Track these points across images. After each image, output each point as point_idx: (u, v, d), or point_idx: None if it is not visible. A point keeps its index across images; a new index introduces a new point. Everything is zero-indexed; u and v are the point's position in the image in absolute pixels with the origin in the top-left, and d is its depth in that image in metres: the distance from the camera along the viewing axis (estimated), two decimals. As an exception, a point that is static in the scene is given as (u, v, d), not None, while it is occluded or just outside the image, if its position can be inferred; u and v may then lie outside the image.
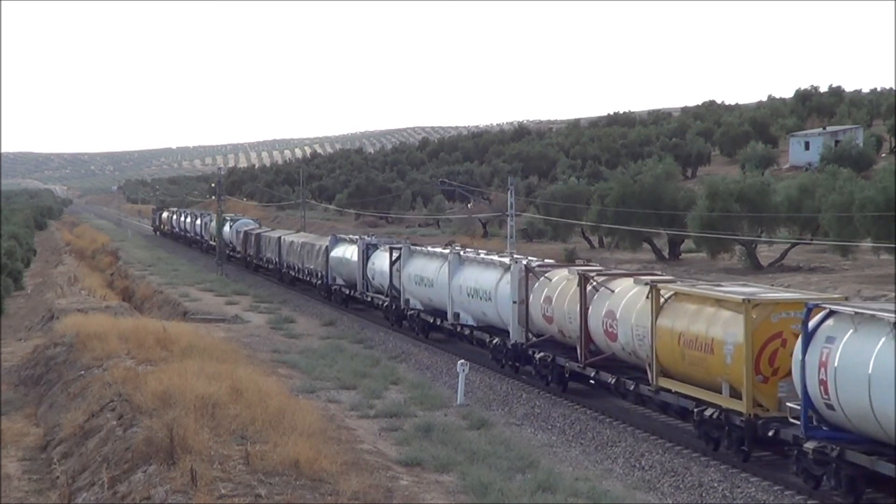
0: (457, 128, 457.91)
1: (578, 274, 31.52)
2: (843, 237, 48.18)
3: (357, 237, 56.65)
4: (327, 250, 58.92)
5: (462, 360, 34.12)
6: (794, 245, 54.94)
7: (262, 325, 52.39)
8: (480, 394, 34.46)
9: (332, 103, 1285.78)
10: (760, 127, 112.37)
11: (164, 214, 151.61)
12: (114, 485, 21.09)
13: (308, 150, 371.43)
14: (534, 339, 34.92)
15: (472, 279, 39.28)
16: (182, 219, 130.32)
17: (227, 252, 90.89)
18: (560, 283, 32.92)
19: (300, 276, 66.86)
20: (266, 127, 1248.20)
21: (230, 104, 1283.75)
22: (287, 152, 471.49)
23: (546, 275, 34.19)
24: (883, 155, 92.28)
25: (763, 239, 55.68)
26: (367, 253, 52.60)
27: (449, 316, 41.78)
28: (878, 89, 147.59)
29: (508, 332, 36.23)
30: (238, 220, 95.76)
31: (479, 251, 44.61)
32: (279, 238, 73.24)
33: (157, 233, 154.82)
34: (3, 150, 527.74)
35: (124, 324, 40.15)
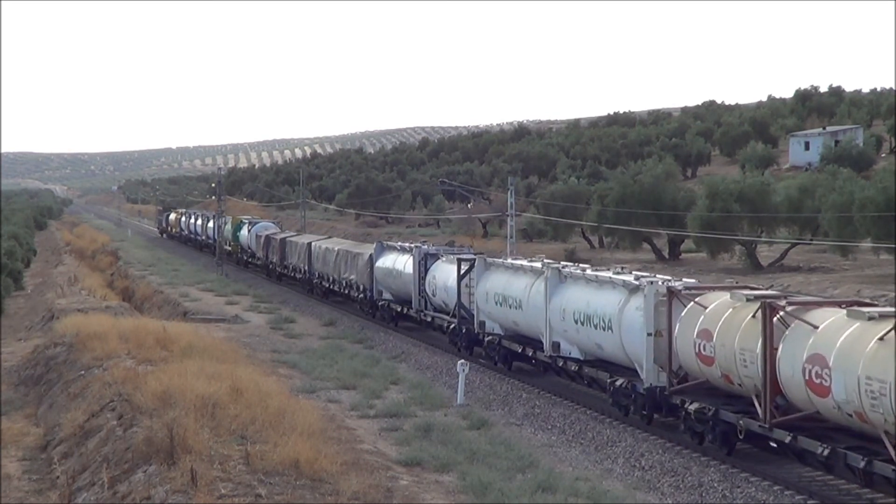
0: (457, 128, 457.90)
1: (761, 301, 23.20)
2: (843, 237, 48.18)
3: (411, 245, 48.80)
4: (372, 260, 51.11)
5: (462, 360, 34.12)
6: (794, 245, 54.93)
7: (262, 325, 52.40)
8: (480, 394, 34.46)
9: (332, 103, 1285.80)
10: (760, 127, 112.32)
11: (172, 216, 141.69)
12: (114, 485, 21.09)
13: (308, 150, 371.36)
14: (678, 383, 26.83)
15: (582, 302, 31.06)
16: (192, 221, 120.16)
17: (245, 258, 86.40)
18: (723, 312, 24.72)
19: (335, 289, 58.71)
20: (266, 127, 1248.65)
21: (230, 104, 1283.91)
22: (287, 152, 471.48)
23: (698, 300, 26.04)
24: (883, 155, 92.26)
25: (763, 239, 55.67)
26: (425, 264, 44.92)
27: (545, 346, 33.25)
28: (878, 89, 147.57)
29: (636, 372, 28.55)
30: (257, 223, 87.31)
31: (581, 266, 35.26)
32: (309, 245, 64.47)
33: (164, 235, 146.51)
34: (3, 150, 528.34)
35: (124, 324, 40.15)
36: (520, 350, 35.82)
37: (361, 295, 53.08)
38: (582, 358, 31.79)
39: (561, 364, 32.86)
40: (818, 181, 54.63)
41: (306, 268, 64.31)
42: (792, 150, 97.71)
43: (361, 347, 45.20)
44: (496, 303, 37.08)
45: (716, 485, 23.46)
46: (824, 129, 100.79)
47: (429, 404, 32.40)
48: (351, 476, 20.41)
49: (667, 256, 62.77)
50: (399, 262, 47.73)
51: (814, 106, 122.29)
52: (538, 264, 35.46)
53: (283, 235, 74.95)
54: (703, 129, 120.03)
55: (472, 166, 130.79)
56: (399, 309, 48.20)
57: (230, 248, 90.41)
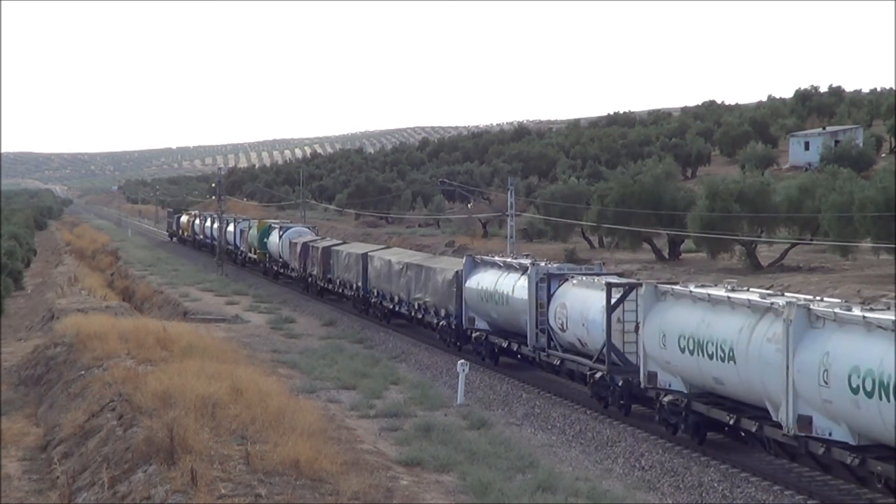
0: (457, 128, 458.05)
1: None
2: (843, 237, 48.16)
3: (520, 261, 37.97)
4: (458, 279, 41.09)
5: (462, 360, 34.12)
6: (793, 245, 54.92)
7: (262, 325, 52.42)
8: (480, 394, 34.47)
9: (332, 103, 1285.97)
10: (760, 127, 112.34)
11: (184, 218, 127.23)
12: (114, 485, 21.09)
13: (308, 150, 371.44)
14: None
15: (866, 359, 19.88)
16: (209, 224, 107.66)
17: (275, 269, 75.98)
18: None
19: (401, 310, 48.41)
20: (266, 127, 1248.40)
21: (230, 104, 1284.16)
22: (287, 152, 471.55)
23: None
24: (883, 155, 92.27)
25: (763, 239, 55.65)
26: (547, 288, 34.22)
27: (783, 417, 22.18)
28: (878, 89, 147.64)
29: None
30: (289, 227, 74.55)
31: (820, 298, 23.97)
32: (364, 256, 53.85)
33: (174, 239, 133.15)
34: (3, 150, 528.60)
35: (124, 324, 40.15)
36: (730, 421, 24.71)
37: (443, 322, 42.73)
38: (853, 442, 20.93)
39: (806, 449, 22.18)
40: (818, 181, 54.60)
41: (360, 284, 53.72)
42: (792, 150, 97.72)
43: (361, 347, 45.22)
44: (683, 349, 25.82)
45: (716, 485, 23.47)
46: (824, 129, 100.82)
47: (429, 404, 32.42)
48: (351, 476, 20.41)
49: (667, 256, 62.77)
50: (504, 284, 37.23)
51: (814, 106, 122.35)
52: (753, 296, 24.29)
53: (326, 243, 63.35)
54: (703, 129, 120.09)
55: (472, 166, 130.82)
56: (506, 344, 37.55)
57: (255, 257, 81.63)
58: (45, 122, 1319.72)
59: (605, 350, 29.76)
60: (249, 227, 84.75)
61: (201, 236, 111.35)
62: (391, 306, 49.71)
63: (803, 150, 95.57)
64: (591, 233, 72.14)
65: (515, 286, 36.23)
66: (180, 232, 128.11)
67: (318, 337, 48.60)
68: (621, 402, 29.67)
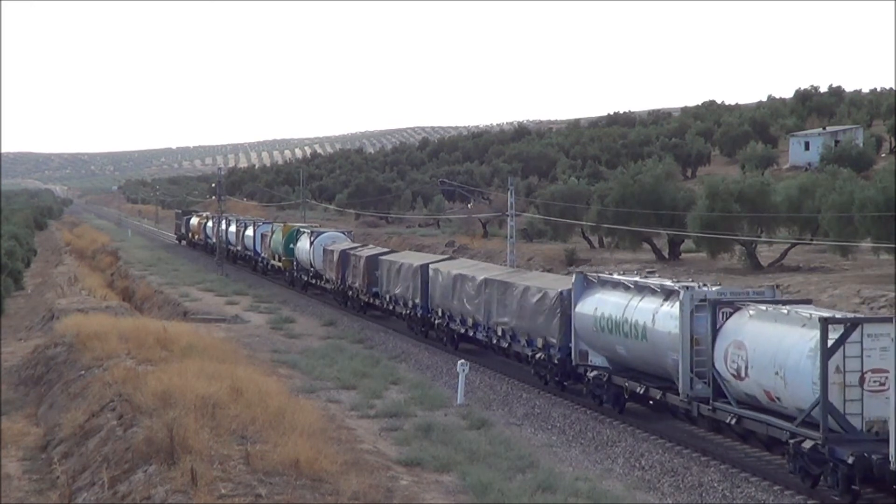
0: (457, 128, 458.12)
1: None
2: (843, 237, 48.16)
3: (662, 282, 29.71)
4: (564, 301, 32.66)
5: (462, 360, 34.13)
6: (794, 245, 54.93)
7: (262, 325, 52.43)
8: (480, 394, 34.48)
9: (332, 103, 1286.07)
10: (760, 127, 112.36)
11: (194, 220, 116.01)
12: (114, 485, 21.10)
13: (308, 150, 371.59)
14: None
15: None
16: (224, 227, 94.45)
17: (305, 279, 67.07)
18: None
19: (476, 335, 40.39)
20: (266, 127, 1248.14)
21: (230, 104, 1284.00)
22: (287, 152, 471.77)
23: None
24: (883, 155, 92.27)
25: (763, 239, 55.66)
26: (710, 319, 25.89)
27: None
28: (878, 89, 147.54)
29: None
30: (321, 232, 66.13)
31: None
32: (423, 269, 45.71)
33: (183, 243, 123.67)
34: (3, 150, 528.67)
35: (124, 324, 40.17)
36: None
37: (540, 354, 34.14)
38: None
39: None
40: (818, 181, 54.59)
41: (417, 301, 46.12)
42: (792, 150, 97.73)
43: (361, 347, 45.22)
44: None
45: (716, 485, 23.49)
46: (824, 129, 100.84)
47: (429, 404, 32.42)
48: (351, 476, 20.42)
49: (667, 256, 62.78)
50: (638, 311, 29.09)
51: (814, 106, 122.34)
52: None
53: (370, 252, 55.21)
54: (703, 129, 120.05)
55: (472, 166, 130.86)
56: (637, 389, 29.26)
57: (280, 265, 73.13)
58: (45, 122, 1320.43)
59: (820, 413, 21.62)
60: (272, 232, 75.61)
61: (214, 240, 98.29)
62: (462, 330, 41.33)
63: (803, 150, 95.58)
64: (591, 233, 72.13)
65: (657, 315, 28.02)
66: (190, 235, 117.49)
67: (318, 337, 48.61)
68: (851, 486, 21.34)
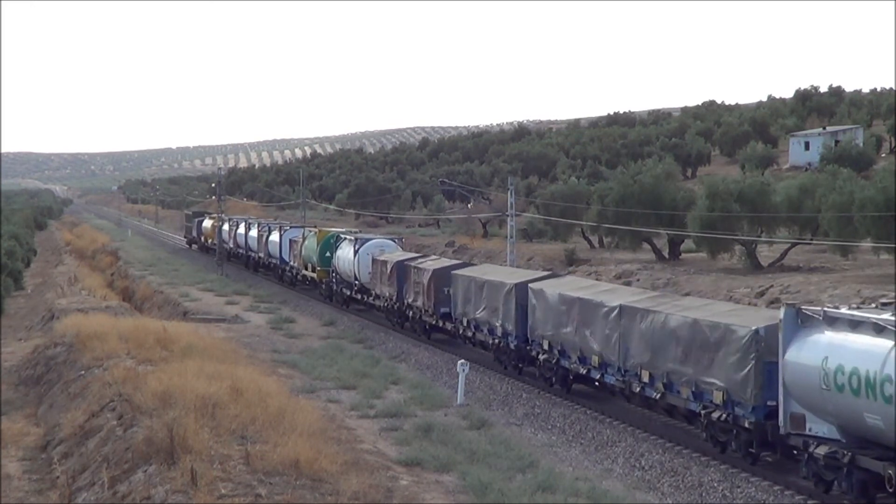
0: (457, 128, 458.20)
1: None
2: (843, 237, 48.13)
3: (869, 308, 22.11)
4: (760, 343, 23.82)
5: (462, 360, 34.13)
6: (794, 245, 54.90)
7: (262, 325, 52.43)
8: (480, 394, 34.47)
9: (332, 103, 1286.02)
10: (760, 127, 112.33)
11: (207, 223, 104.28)
12: (114, 485, 21.09)
13: (308, 150, 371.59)
14: None
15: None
16: (242, 231, 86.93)
17: (347, 293, 57.60)
18: None
19: (604, 378, 30.85)
20: (266, 127, 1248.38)
21: (230, 104, 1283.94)
22: (287, 152, 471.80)
23: None
24: (883, 155, 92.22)
25: (763, 239, 55.63)
26: None
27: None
28: (878, 89, 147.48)
29: None
30: (367, 240, 56.50)
31: None
32: (521, 287, 36.19)
33: (194, 247, 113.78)
34: (3, 150, 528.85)
35: (124, 324, 40.18)
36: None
37: (724, 414, 24.95)
38: None
39: None
40: (818, 181, 54.55)
41: (511, 328, 36.57)
42: (792, 150, 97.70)
43: (361, 347, 45.22)
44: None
45: (716, 485, 23.48)
46: (824, 129, 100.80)
47: (429, 404, 32.43)
48: (351, 476, 20.41)
49: (667, 256, 62.77)
50: (854, 355, 20.69)
51: (814, 106, 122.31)
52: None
53: (437, 264, 45.74)
54: (703, 129, 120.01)
55: (472, 166, 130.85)
56: (842, 457, 21.16)
57: (314, 276, 63.99)
58: (45, 122, 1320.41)
59: None
60: (304, 238, 66.43)
61: (232, 245, 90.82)
62: (581, 370, 32.10)
63: (803, 150, 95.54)
64: (591, 233, 72.10)
65: (874, 357, 20.08)
66: (202, 239, 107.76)
67: (318, 337, 48.60)
68: None
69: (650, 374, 28.01)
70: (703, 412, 25.71)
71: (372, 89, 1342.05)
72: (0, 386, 35.41)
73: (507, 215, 60.28)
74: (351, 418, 30.57)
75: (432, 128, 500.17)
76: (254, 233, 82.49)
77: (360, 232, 66.37)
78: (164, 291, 66.88)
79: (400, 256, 50.74)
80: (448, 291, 42.77)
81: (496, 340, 38.04)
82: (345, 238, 58.82)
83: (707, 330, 25.62)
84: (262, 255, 79.67)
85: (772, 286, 45.09)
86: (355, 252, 54.93)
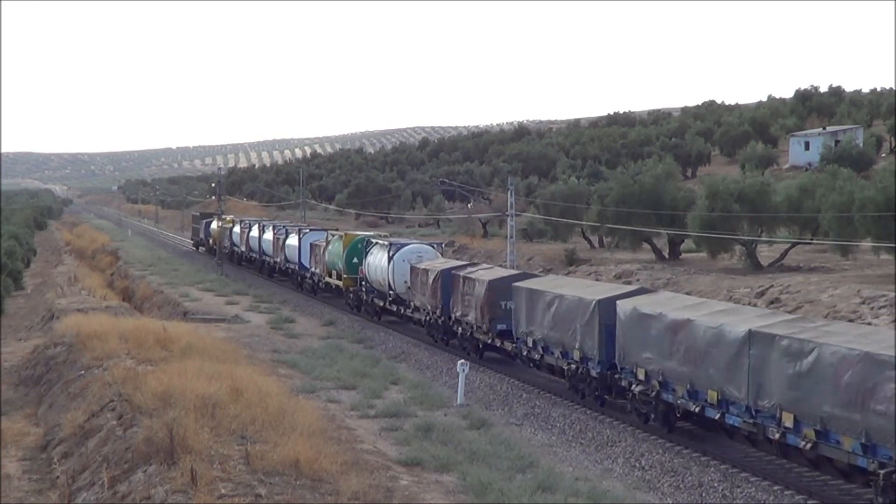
0: (457, 128, 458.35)
1: None
2: (843, 237, 48.14)
3: None
4: None
5: (462, 360, 34.12)
6: (794, 245, 54.91)
7: (262, 324, 52.41)
8: (480, 394, 34.47)
9: (332, 103, 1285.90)
10: (760, 127, 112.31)
11: (216, 225, 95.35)
12: (114, 485, 21.08)
13: (308, 150, 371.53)
14: None
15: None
16: (255, 233, 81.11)
17: (381, 304, 51.93)
18: None
19: (727, 419, 24.89)
20: (266, 127, 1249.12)
21: (230, 104, 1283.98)
22: (287, 152, 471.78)
23: None
24: (883, 155, 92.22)
25: (763, 239, 55.64)
26: None
27: None
28: (878, 89, 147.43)
29: None
30: (402, 245, 50.66)
31: None
32: (604, 305, 30.44)
33: (201, 249, 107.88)
34: (3, 150, 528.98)
35: (124, 324, 40.15)
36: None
37: None
38: None
39: None
40: (818, 181, 54.55)
41: (594, 353, 30.78)
42: (792, 150, 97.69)
43: (361, 347, 45.20)
44: None
45: (716, 485, 23.48)
46: (824, 129, 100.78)
47: (429, 404, 32.42)
48: (351, 476, 20.41)
49: (667, 256, 62.77)
50: None
51: (814, 106, 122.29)
52: None
53: (492, 275, 39.94)
54: (703, 129, 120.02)
55: (472, 166, 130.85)
56: None
57: (338, 283, 58.20)
58: (45, 122, 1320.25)
59: None
60: (327, 242, 60.66)
61: (243, 248, 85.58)
62: (692, 406, 25.90)
63: (803, 150, 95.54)
64: (591, 233, 72.11)
65: None
66: (211, 241, 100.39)
67: (318, 337, 48.59)
68: None
69: (794, 420, 22.30)
70: (880, 472, 19.95)
71: (372, 89, 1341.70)
72: (0, 386, 35.41)
73: (507, 215, 60.29)
74: (351, 418, 30.56)
75: (432, 128, 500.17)
76: (269, 236, 76.83)
77: (390, 235, 61.94)
78: (164, 291, 66.85)
79: (445, 264, 45.25)
80: (506, 306, 37.44)
81: (572, 366, 32.08)
82: (376, 243, 53.20)
83: (876, 367, 20.09)
84: (278, 260, 73.97)
85: (772, 286, 45.11)
86: (390, 258, 49.51)
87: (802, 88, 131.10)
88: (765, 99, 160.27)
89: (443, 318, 43.20)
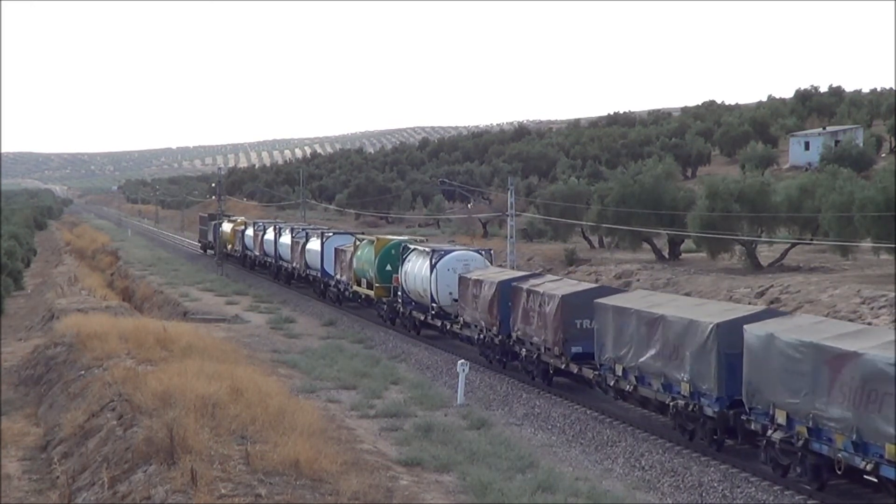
0: (457, 128, 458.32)
1: None
2: (843, 237, 48.13)
3: None
4: None
5: (462, 360, 34.11)
6: (794, 245, 54.90)
7: (262, 324, 52.41)
8: (480, 394, 34.47)
9: (332, 103, 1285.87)
10: (760, 127, 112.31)
11: (227, 227, 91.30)
12: (114, 485, 21.08)
13: (308, 150, 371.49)
14: None
15: None
16: (271, 237, 75.83)
17: (420, 317, 47.09)
18: None
19: (881, 472, 19.81)
20: (266, 127, 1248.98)
21: (230, 104, 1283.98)
22: (287, 152, 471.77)
23: None
24: (883, 155, 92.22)
25: (763, 239, 55.63)
26: None
27: None
28: (878, 89, 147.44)
29: None
30: (447, 251, 45.99)
31: None
32: (725, 329, 24.85)
33: (208, 252, 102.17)
34: (3, 150, 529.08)
35: (124, 324, 40.15)
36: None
37: None
38: None
39: None
40: (818, 181, 54.53)
41: (709, 386, 25.49)
42: (792, 150, 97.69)
43: (361, 347, 45.19)
44: None
45: (716, 485, 23.48)
46: (824, 129, 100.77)
47: (429, 404, 32.42)
48: (351, 476, 20.41)
49: (667, 256, 62.76)
50: None
51: (814, 106, 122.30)
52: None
53: (565, 288, 34.66)
54: (703, 129, 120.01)
55: (472, 166, 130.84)
56: None
57: (369, 293, 52.99)
58: (45, 122, 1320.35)
59: None
60: (355, 247, 55.33)
61: (257, 253, 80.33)
62: (860, 462, 20.51)
63: (803, 150, 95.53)
64: (591, 233, 72.10)
65: None
66: (224, 246, 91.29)
67: (318, 337, 48.58)
68: None
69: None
70: None
71: (372, 89, 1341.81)
72: (0, 386, 35.40)
73: (507, 215, 60.26)
74: (351, 418, 30.56)
75: (432, 128, 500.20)
76: (285, 239, 70.95)
77: (427, 240, 57.37)
78: (164, 291, 66.86)
79: (502, 275, 39.84)
80: (582, 325, 32.74)
81: (679, 401, 26.76)
82: (414, 248, 48.08)
83: None
84: (296, 265, 68.00)
85: (772, 286, 45.11)
86: (432, 267, 44.61)
87: (802, 88, 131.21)
88: (765, 99, 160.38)
89: (500, 337, 37.93)
